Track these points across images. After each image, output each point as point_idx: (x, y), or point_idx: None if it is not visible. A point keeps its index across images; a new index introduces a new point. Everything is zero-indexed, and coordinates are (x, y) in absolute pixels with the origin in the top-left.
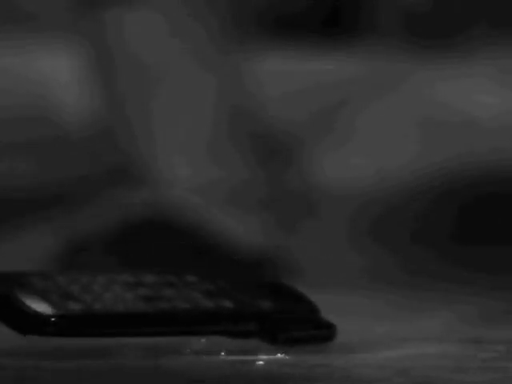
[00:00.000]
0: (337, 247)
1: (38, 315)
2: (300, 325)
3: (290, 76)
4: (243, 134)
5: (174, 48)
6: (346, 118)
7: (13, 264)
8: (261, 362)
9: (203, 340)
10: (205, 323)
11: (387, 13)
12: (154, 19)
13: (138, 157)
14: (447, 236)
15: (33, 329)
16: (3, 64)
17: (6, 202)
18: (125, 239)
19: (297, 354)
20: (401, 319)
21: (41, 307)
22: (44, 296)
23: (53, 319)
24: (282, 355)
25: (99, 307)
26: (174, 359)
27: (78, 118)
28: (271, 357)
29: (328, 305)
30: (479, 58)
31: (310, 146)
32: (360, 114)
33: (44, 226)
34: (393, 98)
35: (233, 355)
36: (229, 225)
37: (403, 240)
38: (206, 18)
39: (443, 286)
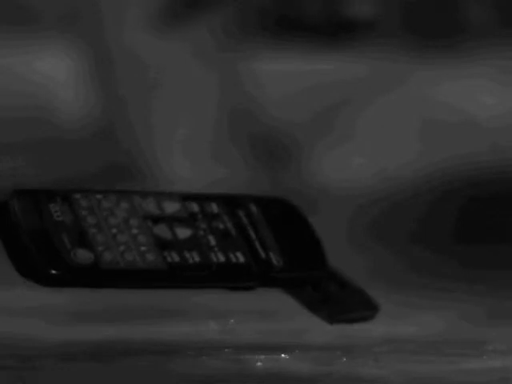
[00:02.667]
0: (337, 247)
1: (38, 264)
2: (353, 304)
3: (290, 76)
4: (244, 135)
5: (175, 48)
6: (346, 118)
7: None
8: (260, 363)
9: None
10: (213, 281)
11: (387, 13)
12: (153, 19)
13: (139, 157)
14: (447, 235)
15: (31, 276)
16: (3, 64)
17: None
18: None
19: (297, 353)
20: (402, 319)
21: (44, 255)
22: (55, 237)
23: (52, 272)
24: (283, 355)
25: (108, 258)
26: (176, 359)
27: (78, 117)
28: (271, 357)
29: None
30: (479, 58)
31: (310, 146)
32: (360, 114)
33: None
34: (393, 98)
35: (237, 354)
36: None
37: (404, 240)
38: (207, 18)
39: (445, 286)
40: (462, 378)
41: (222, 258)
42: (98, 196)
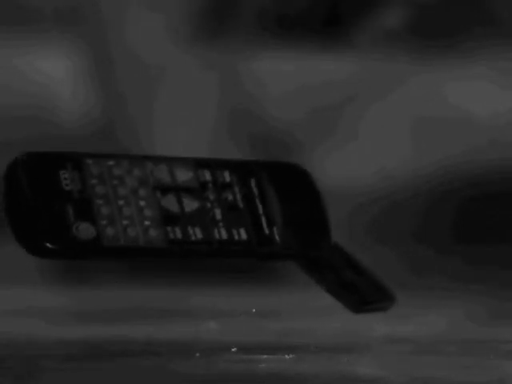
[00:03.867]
0: None
1: (38, 235)
2: (374, 293)
3: (290, 76)
4: (244, 135)
5: (175, 48)
6: (346, 118)
7: (13, 264)
8: (260, 364)
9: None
10: (213, 257)
11: (387, 13)
12: (154, 19)
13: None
14: (448, 235)
15: (29, 247)
16: (3, 63)
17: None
18: None
19: (297, 353)
20: (402, 319)
21: (45, 227)
22: (60, 207)
23: (51, 246)
24: (284, 355)
25: (110, 234)
26: (177, 359)
27: (78, 116)
28: (272, 357)
29: (329, 305)
30: (479, 58)
31: (310, 146)
32: (360, 114)
33: None
34: (393, 98)
35: (237, 354)
36: None
37: (404, 239)
38: (207, 19)
39: (446, 285)
40: (462, 378)
41: (224, 236)
42: (110, 162)
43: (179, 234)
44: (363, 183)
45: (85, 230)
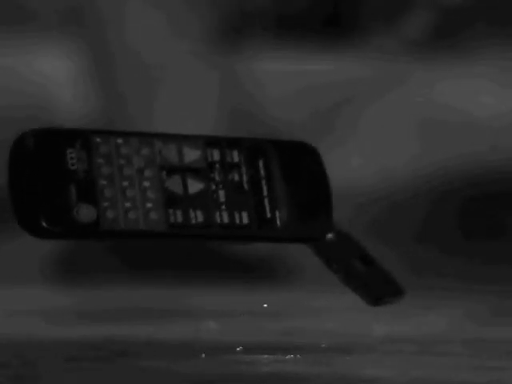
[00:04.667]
0: None
1: (36, 215)
2: (388, 286)
3: (290, 76)
4: (243, 134)
5: (175, 48)
6: (346, 118)
7: (13, 264)
8: (260, 364)
9: (265, 305)
10: (212, 239)
11: (387, 13)
12: (154, 18)
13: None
14: (448, 235)
15: (27, 226)
16: (3, 63)
17: (6, 202)
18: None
19: (297, 353)
20: (403, 318)
21: (46, 207)
22: (64, 188)
23: (47, 227)
24: (284, 355)
25: (110, 216)
26: (177, 359)
27: (78, 117)
28: (272, 357)
29: (329, 304)
30: (480, 57)
31: None
32: (360, 114)
33: None
34: (393, 98)
35: (237, 354)
36: None
37: (404, 239)
38: (207, 18)
39: (446, 285)
40: (463, 378)
41: (225, 219)
42: (119, 141)
43: (180, 218)
44: (363, 183)
45: (85, 213)
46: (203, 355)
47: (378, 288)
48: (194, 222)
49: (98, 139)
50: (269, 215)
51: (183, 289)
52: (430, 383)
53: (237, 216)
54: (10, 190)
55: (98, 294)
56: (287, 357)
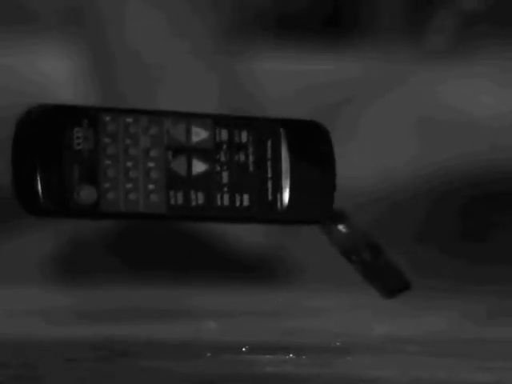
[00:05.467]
0: None
1: (36, 195)
2: (397, 277)
3: (289, 76)
4: None
5: (175, 48)
6: (346, 118)
7: (13, 264)
8: (260, 364)
9: (280, 299)
10: (211, 220)
11: (387, 13)
12: (155, 18)
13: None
14: (448, 235)
15: (26, 204)
16: (3, 63)
17: (6, 202)
18: (125, 239)
19: (297, 353)
20: (403, 318)
21: (47, 187)
22: (67, 168)
23: (45, 207)
24: (283, 355)
25: (110, 198)
26: (177, 359)
27: None
28: (272, 357)
29: (329, 304)
30: (480, 58)
31: None
32: (360, 114)
33: (44, 226)
34: (393, 98)
35: (237, 354)
36: (231, 225)
37: (404, 239)
38: (207, 18)
39: (446, 285)
40: (462, 378)
41: (226, 201)
42: (128, 119)
43: (180, 199)
44: (363, 183)
45: (86, 194)
46: (208, 354)
47: (392, 280)
48: (194, 204)
49: (107, 118)
50: (270, 197)
51: (183, 289)
52: (430, 383)
53: (238, 198)
54: (12, 165)
55: (98, 294)
56: (287, 357)
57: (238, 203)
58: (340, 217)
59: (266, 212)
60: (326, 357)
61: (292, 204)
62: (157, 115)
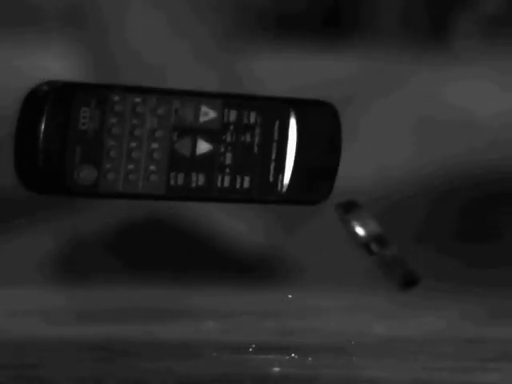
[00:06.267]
0: (337, 247)
1: (36, 171)
2: (410, 270)
3: (289, 76)
4: None
5: (175, 48)
6: (345, 118)
7: (13, 264)
8: (260, 364)
9: (290, 296)
10: (209, 200)
11: (387, 13)
12: (155, 18)
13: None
14: (448, 235)
15: (25, 180)
16: (4, 62)
17: (6, 202)
18: (125, 239)
19: (297, 353)
20: (403, 319)
21: (47, 166)
22: (69, 148)
23: (44, 184)
24: (283, 355)
25: (110, 179)
26: (177, 359)
27: None
28: (272, 357)
29: (329, 304)
30: (480, 58)
31: None
32: (360, 114)
33: (44, 226)
34: (393, 98)
35: (237, 354)
36: (231, 225)
37: (404, 239)
38: (208, 18)
39: (446, 285)
40: (462, 378)
41: (226, 183)
42: (137, 99)
43: (181, 181)
44: (363, 183)
45: (86, 174)
46: (208, 354)
47: (407, 272)
48: (193, 185)
49: (116, 97)
50: (271, 179)
51: (183, 289)
52: (429, 383)
53: (238, 180)
54: (15, 139)
55: (98, 294)
56: (287, 357)
57: (238, 185)
58: (353, 206)
59: (265, 193)
60: (326, 357)
61: (293, 186)
62: (167, 94)
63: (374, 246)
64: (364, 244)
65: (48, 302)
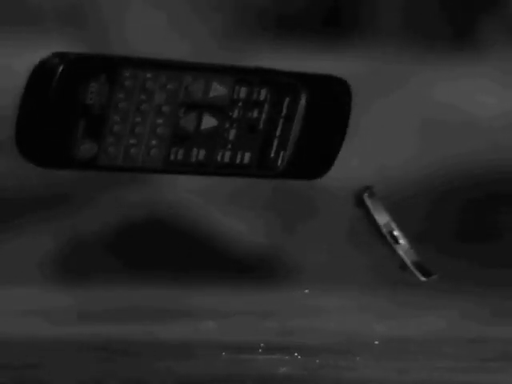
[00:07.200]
0: (337, 247)
1: (35, 143)
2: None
3: None
4: None
5: (175, 48)
6: None
7: (13, 264)
8: (260, 364)
9: (307, 291)
10: (208, 175)
11: (388, 13)
12: (155, 18)
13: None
14: (448, 235)
15: (24, 151)
16: (2, 63)
17: (6, 202)
18: (125, 239)
19: (297, 353)
20: (403, 318)
21: (49, 139)
22: (72, 122)
23: (43, 157)
24: (283, 355)
25: (111, 152)
26: (176, 359)
27: None
28: (272, 357)
29: (329, 304)
30: (481, 58)
31: None
32: (360, 114)
33: (44, 226)
34: (393, 98)
35: (236, 354)
36: (230, 225)
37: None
38: (208, 18)
39: (446, 285)
40: (462, 379)
41: (226, 159)
42: (149, 75)
43: (180, 155)
44: (363, 183)
45: (86, 149)
46: (208, 354)
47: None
48: (193, 160)
49: (127, 73)
50: (273, 155)
51: (183, 289)
52: (429, 383)
53: (239, 156)
54: (20, 108)
55: (98, 294)
56: (287, 357)
57: (238, 161)
58: (368, 192)
59: (264, 169)
60: (326, 357)
61: (293, 162)
62: (179, 70)
63: (398, 234)
64: (388, 232)
65: (48, 302)
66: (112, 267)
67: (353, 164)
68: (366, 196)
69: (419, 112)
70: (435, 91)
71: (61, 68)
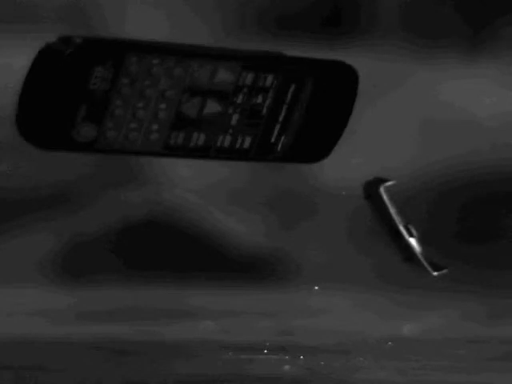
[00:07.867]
0: (337, 247)
1: (35, 125)
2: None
3: None
4: None
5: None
6: None
7: (13, 264)
8: (259, 364)
9: (316, 287)
10: (206, 158)
11: (388, 12)
12: (155, 18)
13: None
14: (448, 235)
15: (24, 132)
16: (2, 63)
17: (5, 202)
18: (125, 239)
19: (297, 354)
20: (403, 319)
21: (49, 121)
22: (73, 106)
23: (41, 139)
24: (283, 356)
25: (110, 136)
26: (176, 359)
27: None
28: (271, 357)
29: (329, 304)
30: (481, 58)
31: None
32: (360, 114)
33: (44, 226)
34: (393, 98)
35: (236, 355)
36: (230, 225)
37: None
38: (208, 18)
39: (446, 285)
40: (462, 379)
41: (226, 143)
42: (155, 61)
43: (180, 140)
44: (363, 183)
45: (86, 132)
46: (208, 354)
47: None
48: (192, 144)
49: (134, 59)
50: (273, 140)
51: (183, 289)
52: (429, 383)
53: (239, 141)
54: (22, 89)
55: (98, 294)
56: (287, 357)
57: (238, 145)
58: (381, 182)
59: (263, 153)
60: (326, 357)
61: (293, 146)
62: (186, 56)
63: (412, 229)
64: (404, 225)
65: (48, 302)
66: (112, 267)
67: (353, 164)
68: (382, 188)
69: (419, 112)
70: (435, 91)
71: (67, 52)
